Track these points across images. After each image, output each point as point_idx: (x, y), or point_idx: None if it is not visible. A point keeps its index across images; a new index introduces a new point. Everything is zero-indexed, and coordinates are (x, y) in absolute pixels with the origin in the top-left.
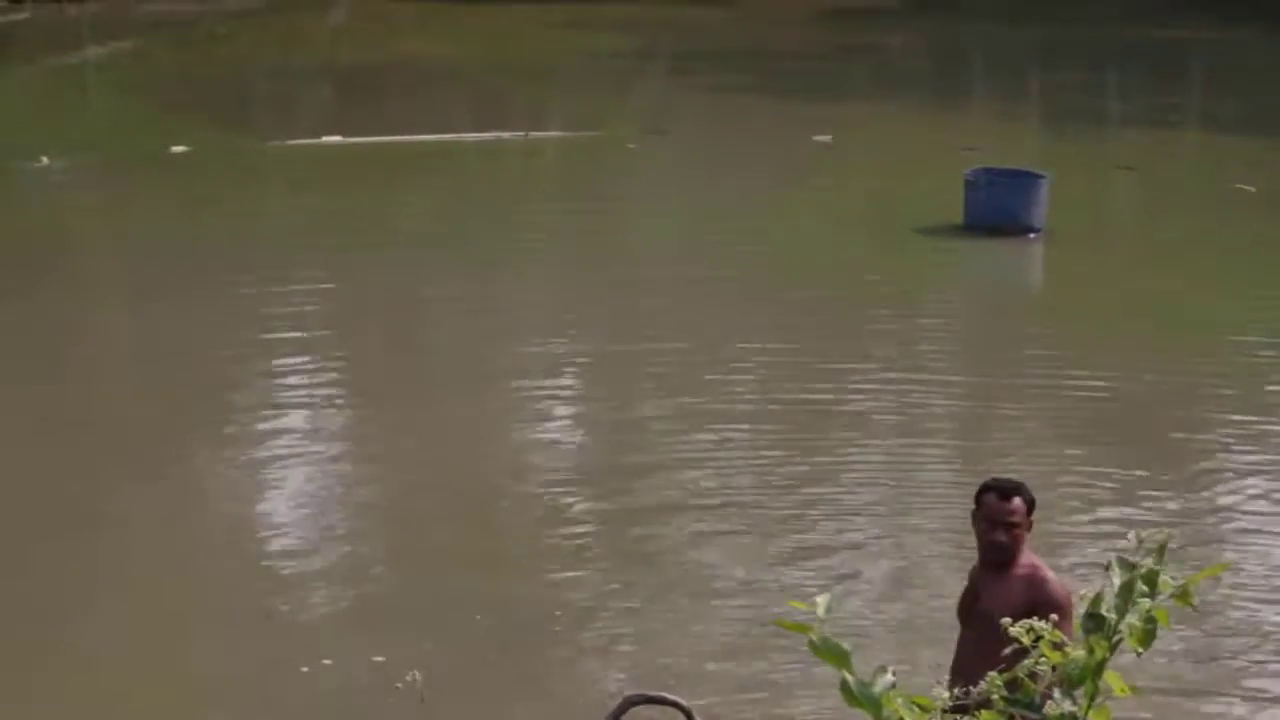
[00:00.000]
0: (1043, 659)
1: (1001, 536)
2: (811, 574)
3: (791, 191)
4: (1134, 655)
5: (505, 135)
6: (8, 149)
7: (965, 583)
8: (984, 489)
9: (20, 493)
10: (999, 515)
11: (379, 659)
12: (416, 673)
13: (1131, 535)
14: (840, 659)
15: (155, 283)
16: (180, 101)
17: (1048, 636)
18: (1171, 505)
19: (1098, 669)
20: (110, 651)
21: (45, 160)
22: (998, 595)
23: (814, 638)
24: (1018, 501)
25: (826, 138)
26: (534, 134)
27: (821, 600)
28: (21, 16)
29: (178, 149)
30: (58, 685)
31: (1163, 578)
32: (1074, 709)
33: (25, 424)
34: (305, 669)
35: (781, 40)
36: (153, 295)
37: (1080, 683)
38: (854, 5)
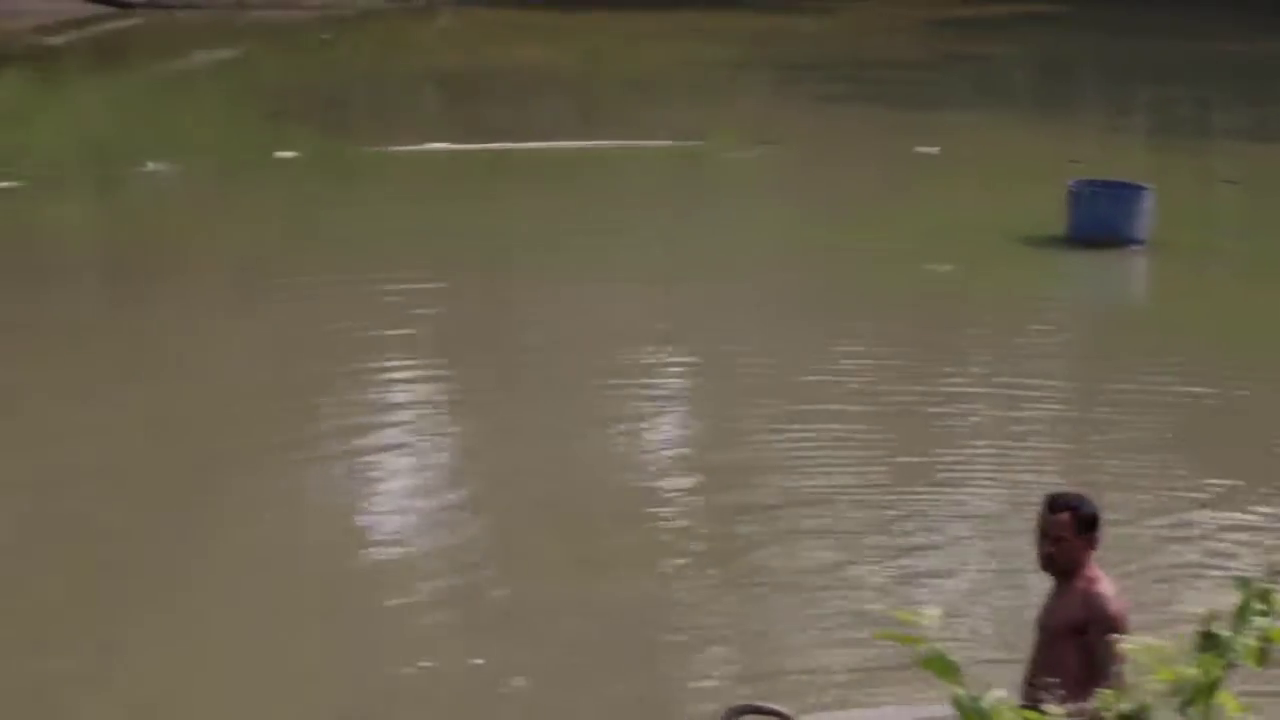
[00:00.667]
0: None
1: (1048, 548)
2: (912, 576)
3: (894, 201)
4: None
5: (608, 144)
6: (118, 154)
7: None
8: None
9: (134, 489)
10: (1045, 527)
11: (478, 661)
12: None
13: (1265, 565)
14: (950, 672)
15: (260, 285)
16: (286, 107)
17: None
18: (1269, 512)
19: (1211, 688)
20: (217, 646)
21: (153, 165)
22: (1057, 607)
23: (922, 651)
24: (1065, 516)
25: (932, 148)
26: (637, 143)
27: (929, 612)
28: (132, 23)
29: (284, 154)
30: (167, 677)
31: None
32: None
33: (140, 421)
34: (405, 669)
35: (884, 49)
36: (259, 297)
37: (1193, 702)
38: (958, 15)
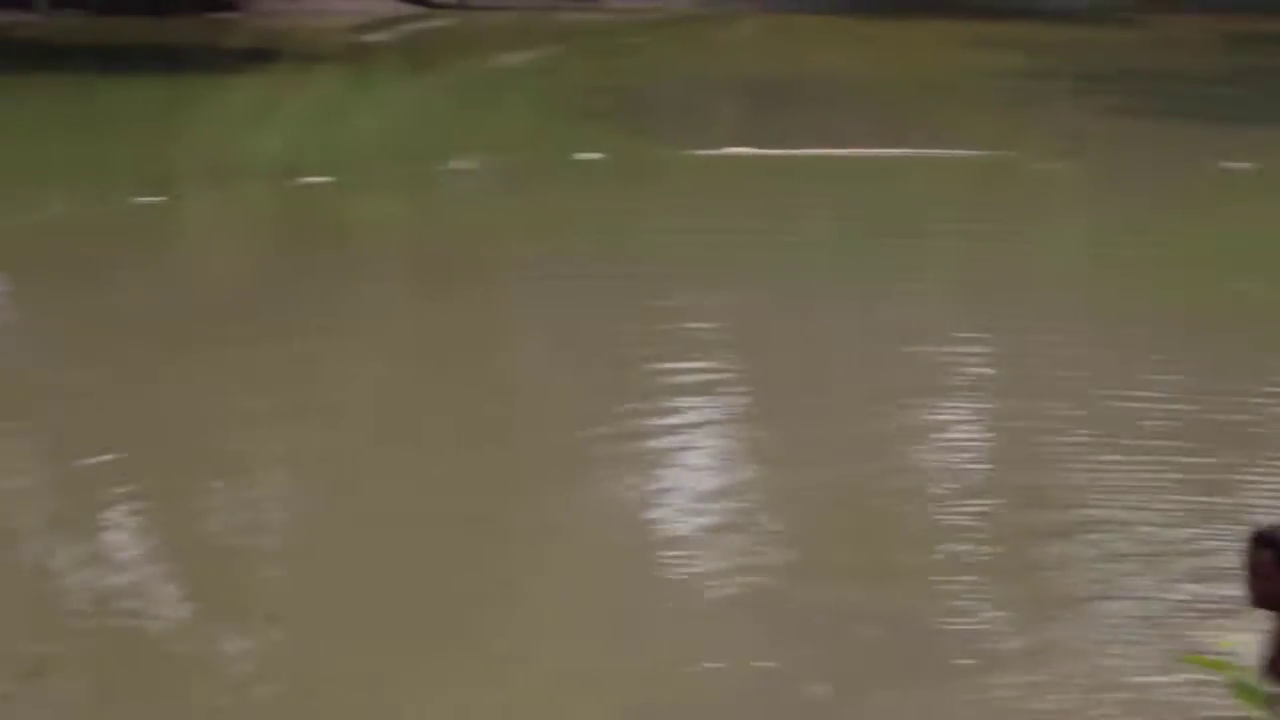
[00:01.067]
0: None
1: (1252, 584)
2: (1217, 601)
3: (1199, 218)
4: None
5: (908, 152)
6: (424, 153)
7: None
8: None
9: (436, 487)
10: (1248, 563)
11: (765, 664)
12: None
13: None
14: (1259, 700)
15: (559, 284)
16: (591, 109)
17: None
18: None
19: None
20: (514, 648)
21: (458, 164)
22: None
23: (1232, 678)
24: (1266, 554)
25: (1242, 164)
26: (936, 152)
27: (1238, 640)
28: (441, 24)
29: (588, 156)
30: (470, 678)
31: None
32: None
33: (449, 420)
34: (689, 669)
35: (1185, 62)
36: (557, 294)
37: None
38: (1264, 29)
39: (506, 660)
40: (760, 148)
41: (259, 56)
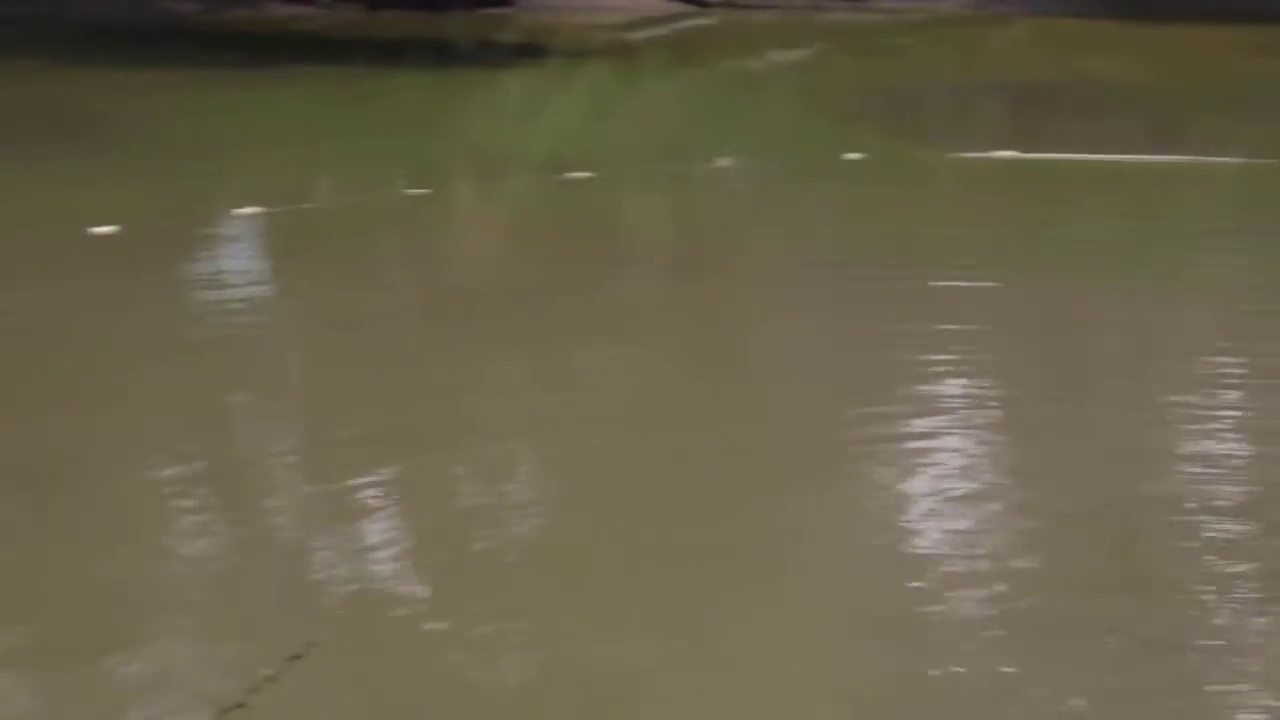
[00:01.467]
0: None
1: None
2: None
3: None
4: None
5: (1180, 159)
6: (688, 150)
7: None
8: None
9: (696, 483)
10: None
11: (1008, 670)
12: None
13: None
14: None
15: (819, 283)
16: (855, 110)
17: None
18: None
19: None
20: (755, 645)
21: (722, 162)
22: None
23: None
24: None
25: None
26: (1211, 159)
27: None
28: (708, 22)
29: (850, 156)
30: (701, 683)
31: None
32: None
33: (709, 416)
34: (935, 672)
35: None
36: (816, 294)
37: None
38: None
39: (747, 657)
40: (1027, 151)
41: (528, 52)
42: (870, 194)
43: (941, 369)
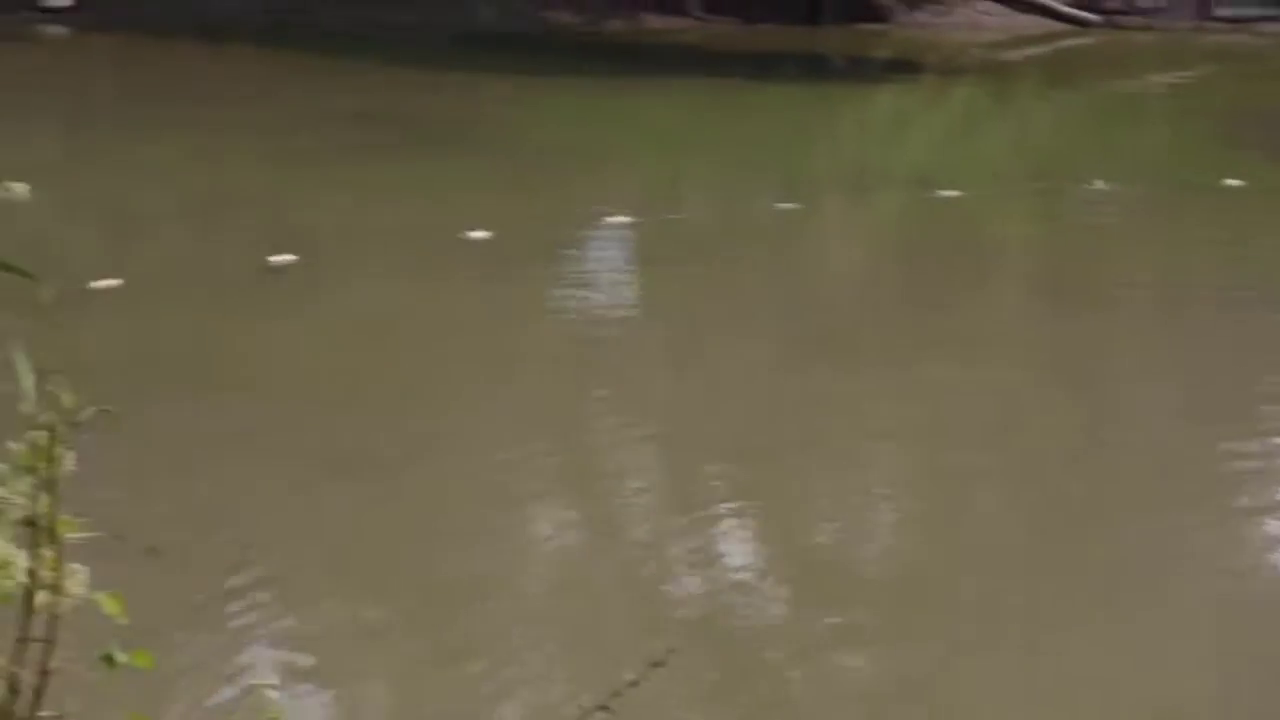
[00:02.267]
0: None
1: None
2: None
3: None
4: None
5: None
6: (1059, 171)
7: None
8: None
9: (1042, 501)
10: None
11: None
12: None
13: None
14: None
15: (1187, 311)
16: (1236, 135)
17: None
18: None
19: None
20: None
21: (1096, 184)
22: None
23: None
24: None
25: None
26: None
27: None
28: (1086, 42)
29: (1231, 182)
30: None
31: None
32: None
33: (1057, 442)
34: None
35: None
36: (1186, 321)
37: None
38: None
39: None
40: None
41: (902, 68)
42: (1250, 221)
43: None
